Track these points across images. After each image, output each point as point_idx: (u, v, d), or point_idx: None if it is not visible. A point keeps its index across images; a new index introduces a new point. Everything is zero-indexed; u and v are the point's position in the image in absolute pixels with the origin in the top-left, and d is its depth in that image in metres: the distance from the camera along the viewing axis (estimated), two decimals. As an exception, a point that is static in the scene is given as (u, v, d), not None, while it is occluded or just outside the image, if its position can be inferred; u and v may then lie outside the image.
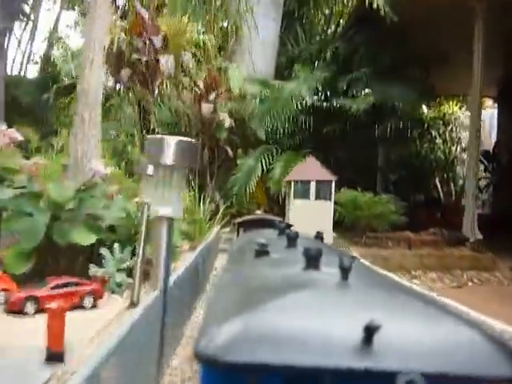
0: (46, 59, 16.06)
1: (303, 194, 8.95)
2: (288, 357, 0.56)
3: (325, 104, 9.97)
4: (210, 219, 8.50)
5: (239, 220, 5.98)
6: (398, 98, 10.18)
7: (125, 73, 8.27)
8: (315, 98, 9.92)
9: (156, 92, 8.95)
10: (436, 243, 9.63)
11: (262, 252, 1.13)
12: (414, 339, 0.60)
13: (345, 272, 0.74)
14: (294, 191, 8.93)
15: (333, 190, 8.91)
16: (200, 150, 9.66)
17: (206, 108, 8.69)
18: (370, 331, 0.56)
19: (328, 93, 9.97)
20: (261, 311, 0.62)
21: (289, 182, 9.21)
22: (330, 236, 7.87)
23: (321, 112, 10.39)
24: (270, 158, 9.63)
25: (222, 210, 8.41)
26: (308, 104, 9.71)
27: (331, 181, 8.98)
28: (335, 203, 9.13)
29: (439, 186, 18.67)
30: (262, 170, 9.52)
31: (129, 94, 9.72)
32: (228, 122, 8.86)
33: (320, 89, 9.40)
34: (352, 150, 11.26)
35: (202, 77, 9.00)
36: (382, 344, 0.57)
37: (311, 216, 8.10)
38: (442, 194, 18.28)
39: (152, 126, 9.22)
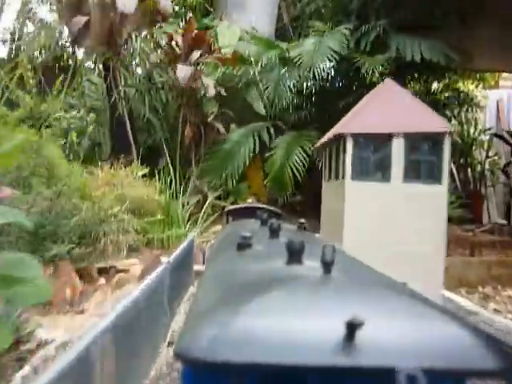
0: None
1: (372, 169, 4.40)
2: (270, 355, 0.52)
3: (343, 67, 7.88)
4: (195, 215, 6.57)
5: (228, 208, 5.09)
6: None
7: (76, 22, 6.14)
8: (330, 64, 7.79)
9: (122, 51, 6.91)
10: (503, 245, 6.78)
11: (244, 245, 1.03)
12: (397, 334, 0.56)
13: (327, 266, 0.69)
14: (347, 164, 4.34)
15: (447, 156, 4.28)
16: (181, 127, 7.86)
17: (183, 71, 6.46)
18: (352, 327, 0.52)
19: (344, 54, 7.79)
20: (242, 309, 0.58)
21: (324, 147, 5.46)
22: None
23: (336, 80, 8.40)
24: (267, 137, 7.63)
25: (208, 203, 6.43)
26: (327, 66, 7.51)
27: (444, 134, 4.27)
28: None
29: (455, 173, 16.88)
30: (256, 152, 7.54)
31: (89, 56, 7.75)
32: (212, 91, 6.78)
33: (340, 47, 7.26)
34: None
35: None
36: (365, 340, 0.53)
37: (394, 219, 4.13)
38: (458, 182, 16.51)
39: (120, 100, 7.18)
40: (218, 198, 8.27)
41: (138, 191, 4.37)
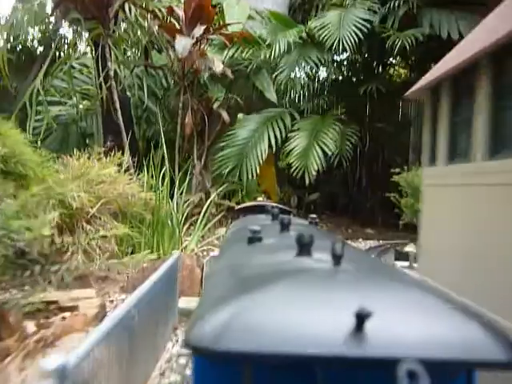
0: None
1: None
2: (280, 345, 0.49)
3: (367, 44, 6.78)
4: (192, 217, 5.50)
5: (239, 207, 4.39)
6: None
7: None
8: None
9: (113, 26, 5.83)
10: None
11: (254, 239, 0.99)
12: (407, 325, 0.53)
13: (337, 258, 0.66)
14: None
15: None
16: (181, 114, 6.80)
17: (182, 42, 5.31)
18: (361, 318, 0.49)
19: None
20: (253, 300, 0.56)
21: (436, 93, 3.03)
22: None
23: (358, 62, 7.35)
24: (282, 126, 6.52)
25: (210, 201, 5.32)
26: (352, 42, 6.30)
27: None
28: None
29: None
30: (271, 144, 6.40)
31: (78, 31, 6.71)
32: (219, 66, 5.64)
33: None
34: (392, 123, 8.29)
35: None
36: (374, 331, 0.50)
37: None
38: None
39: (110, 80, 6.10)
40: (224, 196, 7.24)
41: (119, 188, 3.36)
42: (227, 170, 6.03)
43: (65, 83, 7.32)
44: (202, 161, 6.44)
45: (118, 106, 5.59)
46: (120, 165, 3.95)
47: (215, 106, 6.31)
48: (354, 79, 7.39)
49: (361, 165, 7.76)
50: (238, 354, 0.49)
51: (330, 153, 5.79)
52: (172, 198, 4.43)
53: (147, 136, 7.54)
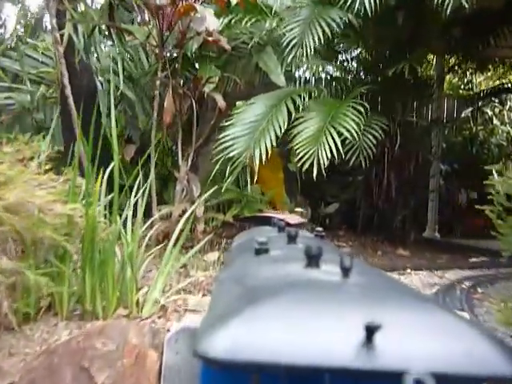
0: None
1: None
2: (290, 356, 0.46)
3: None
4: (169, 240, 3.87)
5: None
6: None
7: None
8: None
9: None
10: None
11: (261, 250, 0.89)
12: (415, 339, 0.49)
13: (346, 271, 0.63)
14: None
15: None
16: (159, 100, 4.47)
17: None
18: (370, 330, 0.46)
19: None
20: (262, 310, 0.52)
21: None
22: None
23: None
24: (292, 108, 4.55)
25: (188, 217, 3.67)
26: None
27: None
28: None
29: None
30: (277, 136, 4.30)
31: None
32: (214, 23, 3.98)
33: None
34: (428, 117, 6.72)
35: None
36: (383, 344, 0.47)
37: None
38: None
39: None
40: (218, 208, 5.56)
41: (9, 195, 1.79)
42: (235, 153, 4.18)
43: (18, 64, 5.78)
44: (190, 161, 4.82)
45: (68, 90, 3.94)
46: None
47: (207, 88, 4.70)
48: (381, 56, 5.71)
49: (388, 169, 6.14)
50: (248, 364, 0.46)
51: (350, 138, 4.08)
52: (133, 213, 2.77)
53: (124, 131, 5.93)
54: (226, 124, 4.51)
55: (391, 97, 5.76)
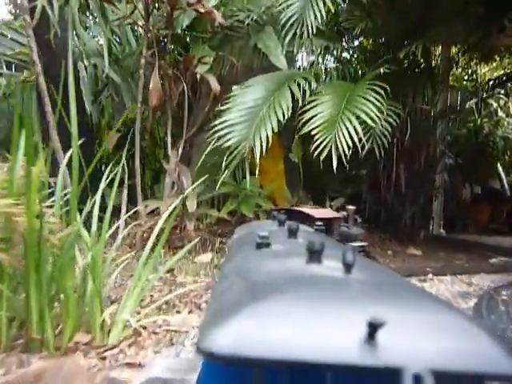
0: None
1: None
2: (291, 352, 0.44)
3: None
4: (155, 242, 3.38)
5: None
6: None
7: None
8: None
9: None
10: None
11: (263, 244, 0.83)
12: (418, 336, 0.46)
13: (348, 266, 0.59)
14: None
15: None
16: (144, 83, 3.77)
17: None
18: (373, 327, 0.43)
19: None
20: (265, 306, 0.49)
21: None
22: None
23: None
24: (297, 91, 3.99)
25: (170, 213, 3.17)
26: None
27: None
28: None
29: (503, 174, 13.71)
30: (280, 121, 3.74)
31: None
32: None
33: None
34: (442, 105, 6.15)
35: None
36: (386, 340, 0.44)
37: None
38: (506, 185, 13.36)
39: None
40: (212, 203, 5.03)
41: None
42: (233, 142, 3.65)
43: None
44: (180, 151, 4.29)
45: (38, 69, 3.36)
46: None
47: (199, 69, 4.16)
48: (392, 36, 5.14)
49: (398, 160, 5.62)
50: (249, 359, 0.43)
51: (371, 123, 3.53)
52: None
53: (110, 118, 5.38)
54: (222, 109, 3.97)
55: (402, 81, 5.22)
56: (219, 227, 4.74)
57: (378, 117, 3.64)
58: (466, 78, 11.97)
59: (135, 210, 3.41)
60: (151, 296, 2.40)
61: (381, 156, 4.96)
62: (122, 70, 5.08)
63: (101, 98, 5.29)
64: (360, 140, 3.61)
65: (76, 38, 5.45)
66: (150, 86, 3.62)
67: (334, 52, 5.60)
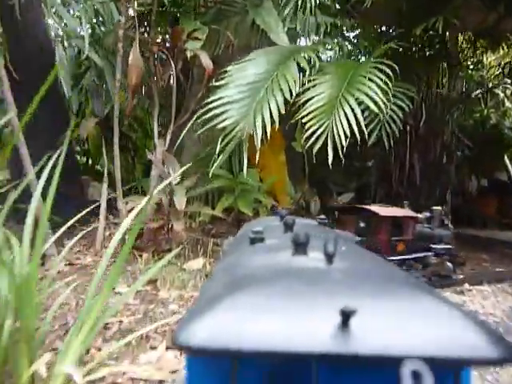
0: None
1: None
2: (265, 343, 0.44)
3: None
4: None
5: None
6: None
7: None
8: None
9: None
10: None
11: (256, 239, 0.84)
12: (394, 323, 0.46)
13: (329, 257, 0.59)
14: None
15: None
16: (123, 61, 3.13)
17: None
18: (346, 315, 0.44)
19: None
20: (240, 298, 0.50)
21: None
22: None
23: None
24: (305, 64, 3.37)
25: (138, 212, 2.60)
26: None
27: None
28: None
29: (510, 166, 13.14)
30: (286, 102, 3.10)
31: None
32: None
33: None
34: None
35: None
36: (360, 328, 0.44)
37: None
38: (513, 177, 12.73)
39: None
40: (206, 199, 4.45)
41: None
42: (229, 123, 3.04)
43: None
44: (169, 139, 3.70)
45: None
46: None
47: (189, 45, 3.56)
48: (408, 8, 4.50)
49: (411, 149, 5.03)
50: (227, 351, 0.44)
51: (375, 108, 2.95)
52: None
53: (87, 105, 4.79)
54: (216, 84, 3.39)
55: (415, 62, 4.64)
56: (214, 226, 4.17)
57: (383, 101, 3.05)
58: (471, 67, 11.38)
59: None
60: (119, 322, 1.83)
61: (390, 145, 4.38)
62: (105, 51, 4.48)
63: (82, 82, 4.70)
64: (359, 128, 3.02)
65: (54, 16, 4.87)
66: (129, 60, 3.04)
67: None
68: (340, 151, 2.85)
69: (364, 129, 3.02)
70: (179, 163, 4.77)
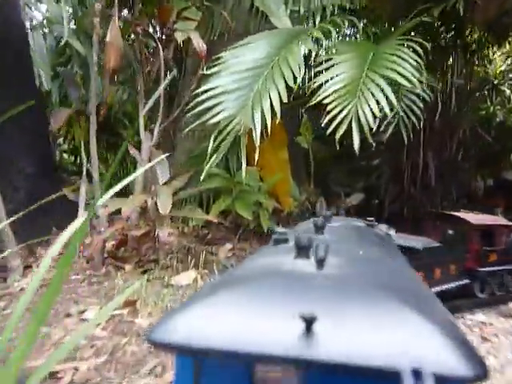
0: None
1: None
2: (230, 342, 0.44)
3: None
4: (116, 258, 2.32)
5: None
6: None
7: None
8: None
9: None
10: None
11: (280, 240, 0.84)
12: (362, 332, 0.44)
13: (319, 262, 0.57)
14: None
15: None
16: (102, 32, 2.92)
17: None
18: (308, 322, 0.43)
19: None
20: (214, 298, 0.50)
21: None
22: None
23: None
24: (312, 47, 3.05)
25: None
26: None
27: None
28: None
29: (517, 166, 12.66)
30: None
31: None
32: None
33: None
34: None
35: None
36: (325, 334, 0.44)
37: None
38: (520, 176, 12.32)
39: None
40: (201, 202, 3.98)
41: None
42: (223, 116, 2.60)
43: None
44: (156, 134, 3.23)
45: None
46: None
47: (180, 26, 3.09)
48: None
49: (425, 146, 4.55)
50: (184, 347, 0.45)
51: (407, 84, 2.48)
52: None
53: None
54: (208, 73, 2.93)
55: (433, 48, 4.17)
56: (209, 231, 3.70)
57: (418, 79, 2.60)
58: (476, 62, 10.98)
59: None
60: (74, 371, 1.36)
61: (406, 141, 3.92)
62: (87, 36, 4.01)
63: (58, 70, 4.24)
64: (392, 110, 2.59)
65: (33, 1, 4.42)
66: (107, 39, 2.57)
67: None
68: (368, 135, 2.39)
69: (392, 111, 2.56)
70: (172, 161, 4.31)
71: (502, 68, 9.65)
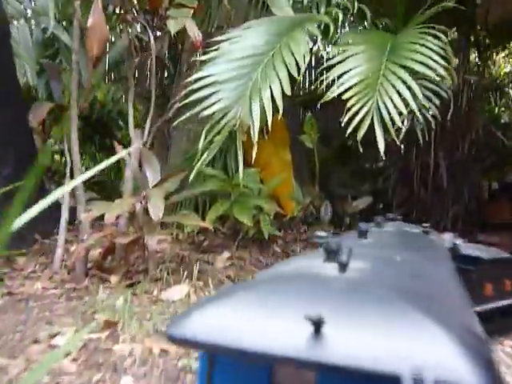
0: None
1: None
2: (242, 341, 0.44)
3: None
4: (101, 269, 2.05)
5: None
6: None
7: None
8: None
9: None
10: None
11: (321, 244, 0.77)
12: (368, 337, 0.43)
13: (342, 266, 0.57)
14: None
15: None
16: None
17: None
18: (317, 324, 0.42)
19: None
20: (233, 298, 0.51)
21: None
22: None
23: None
24: (317, 32, 2.60)
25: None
26: None
27: None
28: None
29: (522, 168, 12.38)
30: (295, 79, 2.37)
31: None
32: None
33: None
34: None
35: None
36: (334, 338, 0.43)
37: None
38: (525, 179, 12.03)
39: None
40: (196, 207, 3.68)
41: None
42: (217, 108, 2.31)
43: None
44: (147, 131, 2.93)
45: None
46: None
47: (173, 13, 2.81)
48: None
49: (436, 146, 4.25)
50: (200, 344, 0.46)
51: (432, 75, 2.24)
52: None
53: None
54: (202, 59, 2.65)
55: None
56: (206, 238, 3.40)
57: (445, 67, 2.33)
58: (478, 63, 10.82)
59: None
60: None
61: (412, 141, 3.67)
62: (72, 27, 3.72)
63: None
64: (416, 104, 2.31)
65: None
66: (89, 23, 2.27)
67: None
68: (392, 133, 2.11)
69: (419, 105, 2.28)
70: (167, 161, 4.00)
71: (506, 70, 9.41)
